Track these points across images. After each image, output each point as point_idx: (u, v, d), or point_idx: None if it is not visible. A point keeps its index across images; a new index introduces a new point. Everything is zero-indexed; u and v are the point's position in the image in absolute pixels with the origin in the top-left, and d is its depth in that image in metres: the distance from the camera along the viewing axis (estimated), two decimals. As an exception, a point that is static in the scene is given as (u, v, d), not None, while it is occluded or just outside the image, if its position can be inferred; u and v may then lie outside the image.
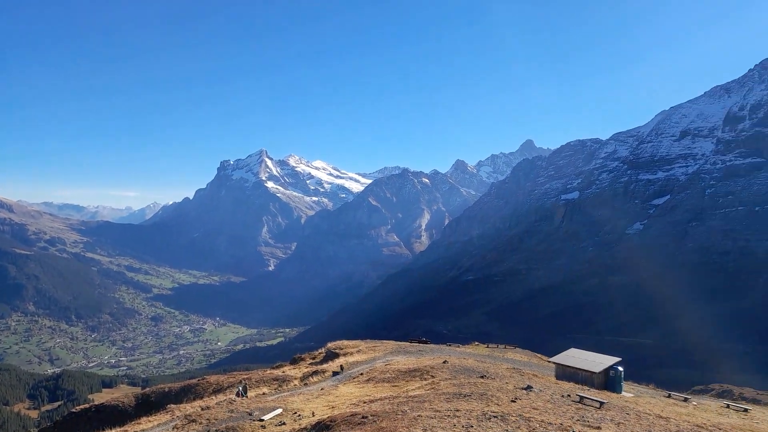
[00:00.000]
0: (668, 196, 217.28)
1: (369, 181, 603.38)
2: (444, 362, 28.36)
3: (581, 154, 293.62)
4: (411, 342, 45.87)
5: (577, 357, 28.36)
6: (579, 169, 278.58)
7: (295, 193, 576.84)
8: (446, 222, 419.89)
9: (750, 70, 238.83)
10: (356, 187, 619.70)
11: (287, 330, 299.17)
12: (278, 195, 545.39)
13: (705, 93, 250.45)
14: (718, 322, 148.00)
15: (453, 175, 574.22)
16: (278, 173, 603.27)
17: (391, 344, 42.29)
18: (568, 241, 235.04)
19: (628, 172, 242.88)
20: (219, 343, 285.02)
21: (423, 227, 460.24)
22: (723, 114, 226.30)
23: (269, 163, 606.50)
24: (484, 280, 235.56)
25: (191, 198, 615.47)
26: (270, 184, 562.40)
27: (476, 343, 52.80)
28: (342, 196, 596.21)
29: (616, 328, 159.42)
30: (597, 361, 27.27)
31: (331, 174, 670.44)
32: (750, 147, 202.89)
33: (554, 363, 28.86)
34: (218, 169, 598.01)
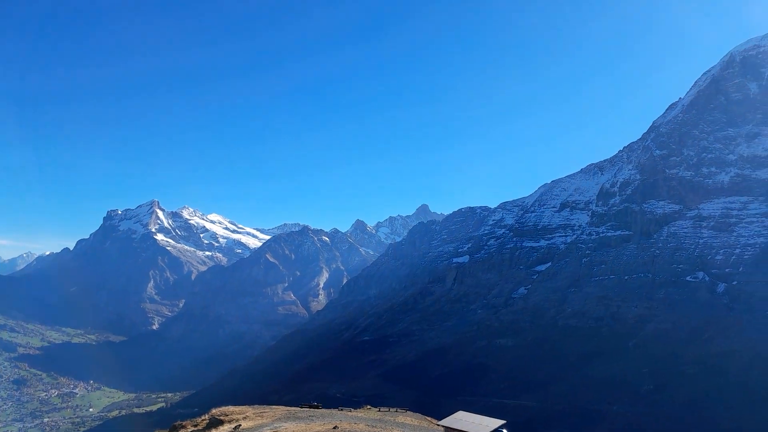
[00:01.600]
0: (550, 263, 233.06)
1: (267, 237, 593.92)
2: (334, 428, 28.85)
3: (472, 220, 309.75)
4: (302, 407, 45.53)
5: (465, 420, 29.79)
6: (469, 234, 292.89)
7: (187, 247, 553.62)
8: (344, 281, 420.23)
9: (620, 152, 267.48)
10: (254, 243, 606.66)
11: (169, 395, 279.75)
12: (168, 248, 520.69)
13: (582, 170, 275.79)
14: (594, 384, 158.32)
15: (353, 235, 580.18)
16: (170, 225, 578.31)
17: (281, 410, 41.80)
18: (459, 303, 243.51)
19: (514, 239, 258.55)
20: (91, 410, 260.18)
21: (321, 286, 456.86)
22: (597, 189, 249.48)
23: (161, 214, 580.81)
24: (380, 340, 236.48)
25: (71, 249, 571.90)
26: (160, 237, 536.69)
27: (368, 406, 53.24)
28: (238, 251, 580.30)
29: (503, 391, 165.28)
30: (484, 424, 28.74)
31: (227, 228, 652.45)
32: (620, 221, 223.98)
33: (443, 426, 30.20)
34: (104, 218, 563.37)
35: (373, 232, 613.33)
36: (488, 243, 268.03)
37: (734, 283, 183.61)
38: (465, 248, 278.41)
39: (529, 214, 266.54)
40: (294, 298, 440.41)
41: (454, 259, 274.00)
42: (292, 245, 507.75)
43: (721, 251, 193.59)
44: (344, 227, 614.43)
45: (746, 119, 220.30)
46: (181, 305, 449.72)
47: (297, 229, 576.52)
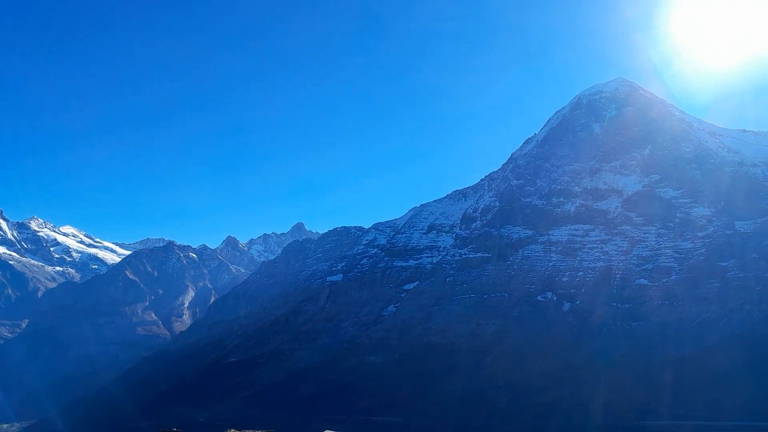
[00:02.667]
0: (417, 282, 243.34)
1: (128, 252, 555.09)
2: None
3: (346, 240, 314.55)
4: (164, 433, 44.82)
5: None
6: (343, 253, 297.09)
7: (33, 262, 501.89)
8: (212, 300, 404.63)
9: (482, 180, 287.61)
10: (112, 258, 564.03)
11: (5, 426, 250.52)
12: (11, 263, 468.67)
13: (447, 195, 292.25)
14: (455, 399, 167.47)
15: (223, 252, 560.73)
16: (14, 237, 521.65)
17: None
18: (331, 321, 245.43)
19: (386, 258, 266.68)
20: None
21: (186, 305, 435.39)
22: (461, 214, 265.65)
23: (4, 225, 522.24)
24: (248, 361, 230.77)
25: None
26: (2, 250, 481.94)
27: (232, 430, 53.40)
28: (94, 267, 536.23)
29: (371, 407, 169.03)
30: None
31: (82, 242, 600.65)
32: (480, 244, 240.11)
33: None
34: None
35: (246, 249, 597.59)
36: (361, 262, 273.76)
37: (577, 302, 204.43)
38: (339, 267, 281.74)
39: (400, 235, 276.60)
40: (155, 318, 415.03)
41: (328, 278, 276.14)
42: (156, 261, 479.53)
43: (567, 273, 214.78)
44: (214, 243, 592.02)
45: (590, 156, 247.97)
46: (24, 325, 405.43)
47: (161, 245, 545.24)
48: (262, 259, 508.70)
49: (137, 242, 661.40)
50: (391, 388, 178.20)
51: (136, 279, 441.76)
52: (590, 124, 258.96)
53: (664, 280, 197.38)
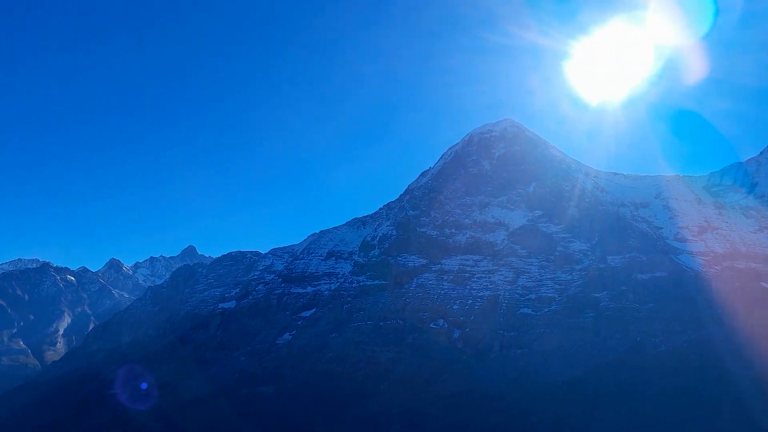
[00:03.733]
0: (314, 309, 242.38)
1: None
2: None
3: (241, 265, 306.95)
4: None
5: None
6: (238, 279, 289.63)
7: None
8: (91, 327, 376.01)
9: (380, 209, 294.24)
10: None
11: None
12: None
13: (347, 222, 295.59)
14: (349, 427, 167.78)
15: (105, 275, 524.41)
16: None
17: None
18: (222, 350, 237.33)
19: (282, 285, 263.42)
20: None
21: (61, 332, 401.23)
22: (359, 242, 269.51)
23: None
24: (130, 393, 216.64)
25: None
26: None
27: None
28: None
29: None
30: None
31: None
32: (378, 271, 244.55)
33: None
34: None
35: (131, 273, 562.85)
36: (257, 288, 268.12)
37: (467, 330, 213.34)
38: (232, 293, 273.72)
39: (298, 261, 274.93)
40: (24, 346, 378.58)
41: (220, 305, 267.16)
42: (27, 284, 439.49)
43: (458, 301, 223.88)
44: (96, 266, 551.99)
45: (480, 191, 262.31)
46: None
47: (35, 266, 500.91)
48: (149, 283, 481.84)
49: (6, 263, 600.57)
50: (283, 418, 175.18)
51: (3, 303, 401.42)
52: (481, 160, 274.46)
53: (546, 310, 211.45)
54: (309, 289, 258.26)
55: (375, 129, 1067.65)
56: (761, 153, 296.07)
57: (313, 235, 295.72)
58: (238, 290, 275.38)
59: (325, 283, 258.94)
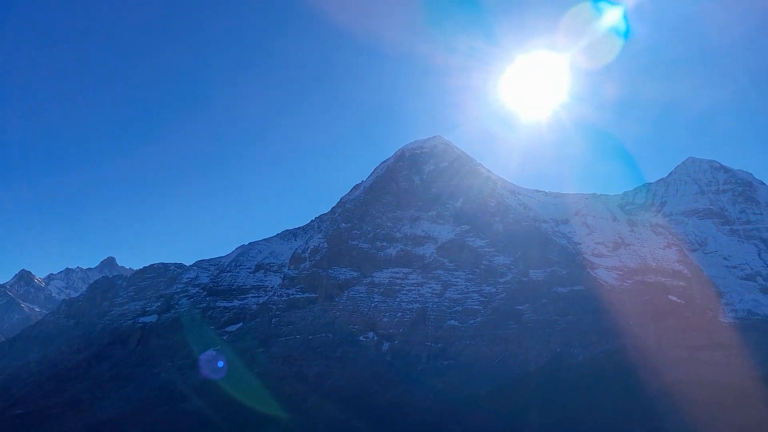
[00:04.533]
0: (241, 324, 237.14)
1: None
2: None
3: (164, 277, 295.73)
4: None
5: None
6: (161, 292, 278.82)
7: None
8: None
9: (312, 221, 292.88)
10: None
11: None
12: None
13: (278, 234, 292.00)
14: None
15: (14, 288, 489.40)
16: None
17: None
18: (142, 366, 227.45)
19: (208, 298, 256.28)
20: None
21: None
22: (290, 254, 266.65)
23: None
24: (39, 413, 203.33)
25: None
26: None
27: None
28: None
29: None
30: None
31: None
32: (308, 284, 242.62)
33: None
34: None
35: (43, 285, 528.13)
36: (180, 302, 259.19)
37: (396, 342, 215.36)
38: (154, 307, 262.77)
39: (225, 274, 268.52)
40: None
41: (141, 319, 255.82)
42: None
43: (387, 314, 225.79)
44: (5, 278, 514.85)
45: (411, 205, 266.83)
46: None
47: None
48: (63, 296, 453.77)
49: None
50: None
51: None
52: (412, 175, 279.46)
53: (471, 322, 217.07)
54: (236, 302, 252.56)
55: (308, 141, 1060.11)
56: (670, 174, 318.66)
57: (242, 247, 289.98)
58: (160, 303, 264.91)
59: (252, 297, 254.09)
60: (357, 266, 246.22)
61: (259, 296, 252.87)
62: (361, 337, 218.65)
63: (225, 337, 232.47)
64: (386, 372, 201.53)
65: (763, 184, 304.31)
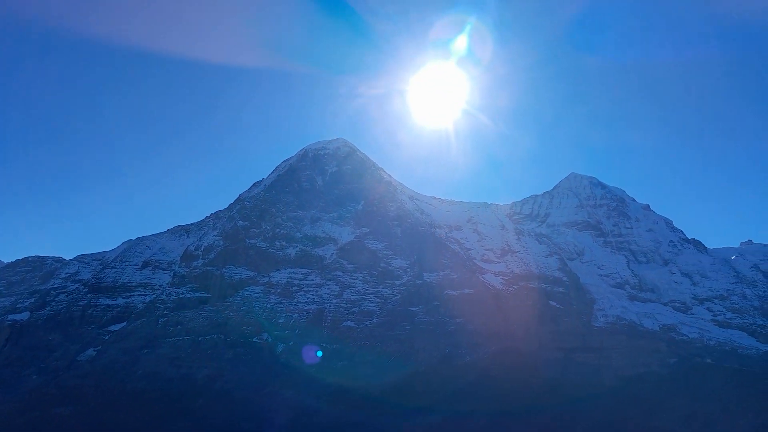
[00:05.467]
0: (125, 323, 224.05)
1: None
2: None
3: (40, 272, 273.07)
4: None
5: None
6: (35, 287, 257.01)
7: None
8: None
9: (207, 217, 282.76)
10: None
11: None
12: None
13: (169, 230, 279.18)
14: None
15: None
16: None
17: None
18: (10, 368, 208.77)
19: (89, 295, 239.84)
20: None
21: None
22: (181, 251, 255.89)
23: None
24: None
25: None
26: None
27: None
28: None
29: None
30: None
31: None
32: (200, 283, 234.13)
33: None
34: None
35: None
36: (57, 298, 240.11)
37: (291, 343, 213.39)
38: (26, 303, 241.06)
39: (109, 270, 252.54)
40: None
41: (11, 316, 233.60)
42: None
43: (284, 315, 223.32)
44: None
45: (312, 205, 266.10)
46: None
47: None
48: None
49: None
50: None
51: None
52: (314, 176, 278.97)
53: (367, 323, 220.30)
54: (120, 300, 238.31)
55: (207, 136, 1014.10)
56: (554, 188, 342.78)
57: (129, 241, 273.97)
58: (33, 300, 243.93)
59: (139, 295, 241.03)
60: (254, 266, 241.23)
61: (146, 294, 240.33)
62: (255, 339, 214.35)
63: (107, 337, 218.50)
64: (279, 374, 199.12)
65: (634, 200, 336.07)
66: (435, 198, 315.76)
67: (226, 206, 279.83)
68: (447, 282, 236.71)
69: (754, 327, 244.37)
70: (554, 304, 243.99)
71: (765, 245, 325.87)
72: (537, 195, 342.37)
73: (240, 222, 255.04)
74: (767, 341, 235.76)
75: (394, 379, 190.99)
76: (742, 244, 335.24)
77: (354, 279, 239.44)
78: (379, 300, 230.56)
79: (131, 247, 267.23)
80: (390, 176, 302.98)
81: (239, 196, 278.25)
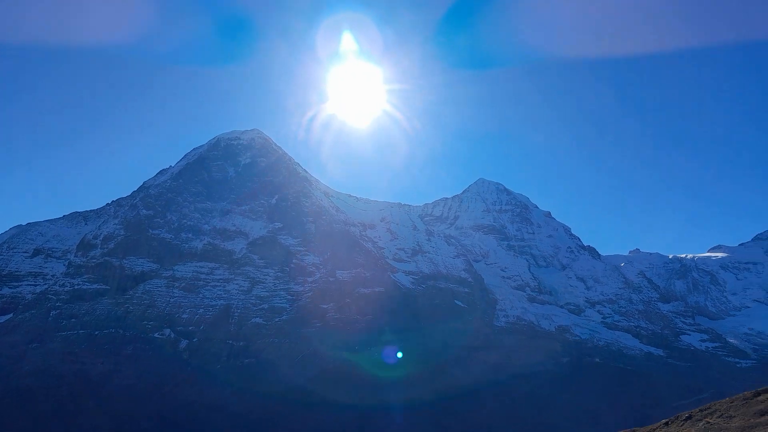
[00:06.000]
0: (11, 315, 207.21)
1: None
2: None
3: None
4: None
5: None
6: None
7: None
8: None
9: (108, 205, 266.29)
10: None
11: None
12: None
13: (65, 216, 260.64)
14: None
15: None
16: None
17: None
18: None
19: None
20: None
21: None
22: (78, 239, 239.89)
23: None
24: None
25: None
26: None
27: None
28: None
29: None
30: None
31: None
32: (98, 274, 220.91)
33: None
34: None
35: None
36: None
37: (195, 340, 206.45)
38: None
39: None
40: None
41: None
42: None
43: (188, 310, 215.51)
44: None
45: (223, 197, 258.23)
46: None
47: None
48: None
49: None
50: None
51: None
52: (226, 166, 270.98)
53: (277, 319, 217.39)
54: (6, 290, 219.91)
55: (111, 123, 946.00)
56: (463, 191, 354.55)
57: (18, 227, 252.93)
58: None
59: (28, 285, 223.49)
60: (157, 258, 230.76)
61: (37, 284, 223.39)
62: (156, 334, 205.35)
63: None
64: (182, 371, 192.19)
65: (537, 207, 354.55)
66: (350, 196, 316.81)
67: (130, 194, 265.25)
68: (359, 280, 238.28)
69: (638, 329, 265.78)
70: (460, 303, 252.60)
71: (650, 254, 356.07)
72: (447, 198, 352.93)
73: (143, 211, 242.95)
74: (649, 342, 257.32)
75: (301, 377, 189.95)
76: (630, 252, 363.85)
77: (265, 275, 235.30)
78: (290, 297, 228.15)
79: (21, 233, 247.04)
80: (306, 171, 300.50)
81: (144, 183, 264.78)
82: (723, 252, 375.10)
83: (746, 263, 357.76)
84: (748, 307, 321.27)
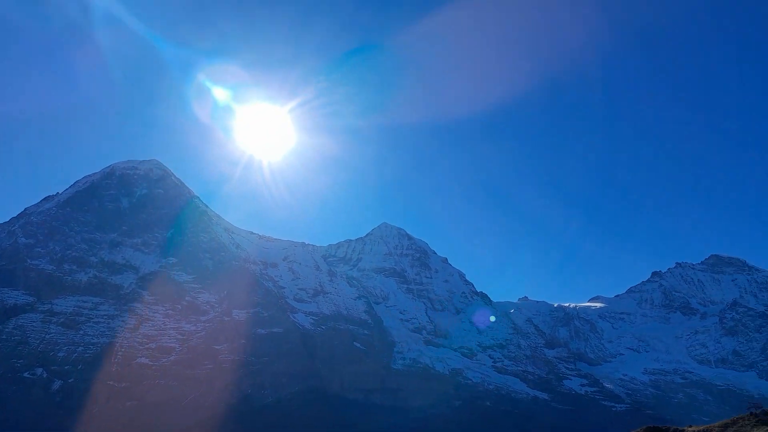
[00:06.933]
0: None
1: None
2: None
3: None
4: None
5: None
6: None
7: None
8: None
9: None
10: None
11: None
12: None
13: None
14: None
15: None
16: None
17: None
18: None
19: None
20: None
21: None
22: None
23: None
24: None
25: None
26: None
27: None
28: None
29: None
30: None
31: None
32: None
33: None
34: None
35: None
36: None
37: (71, 380, 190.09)
38: None
39: None
40: None
41: None
42: None
43: (65, 348, 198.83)
44: None
45: (114, 228, 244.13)
46: None
47: None
48: None
49: None
50: None
51: None
52: (120, 196, 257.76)
53: (164, 360, 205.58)
54: None
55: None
56: (367, 234, 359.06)
57: None
58: None
59: None
60: (34, 290, 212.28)
61: None
62: (26, 374, 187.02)
63: None
64: (54, 414, 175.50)
65: (435, 253, 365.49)
66: (253, 233, 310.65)
67: (8, 219, 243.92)
68: (257, 320, 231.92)
69: (525, 374, 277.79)
70: (358, 345, 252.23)
71: (537, 302, 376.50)
72: (351, 240, 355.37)
73: (22, 239, 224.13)
74: (535, 387, 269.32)
75: (187, 421, 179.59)
76: (519, 299, 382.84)
77: (154, 312, 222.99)
78: (180, 336, 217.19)
79: None
80: (206, 206, 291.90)
81: (25, 209, 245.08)
82: (601, 302, 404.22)
83: (621, 313, 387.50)
84: (622, 354, 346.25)
